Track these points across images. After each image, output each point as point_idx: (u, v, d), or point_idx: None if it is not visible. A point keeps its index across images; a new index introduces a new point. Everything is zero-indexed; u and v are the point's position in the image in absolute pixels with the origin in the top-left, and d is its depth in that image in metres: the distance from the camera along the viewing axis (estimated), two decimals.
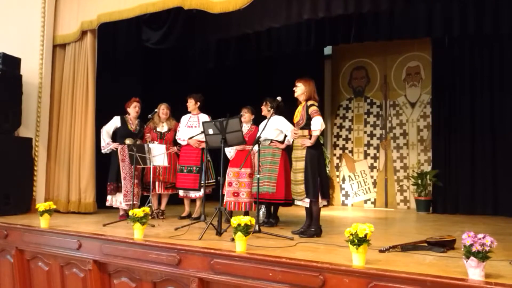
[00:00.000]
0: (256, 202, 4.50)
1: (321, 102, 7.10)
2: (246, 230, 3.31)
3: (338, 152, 8.94)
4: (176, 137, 5.82)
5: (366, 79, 8.77)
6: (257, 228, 4.14)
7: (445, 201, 7.39)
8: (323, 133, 5.62)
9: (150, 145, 5.34)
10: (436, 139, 7.69)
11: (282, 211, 5.55)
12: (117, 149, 5.61)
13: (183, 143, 5.73)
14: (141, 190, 5.80)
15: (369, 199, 8.53)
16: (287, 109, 4.96)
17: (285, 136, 5.06)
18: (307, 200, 4.23)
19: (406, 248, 3.52)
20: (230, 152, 5.37)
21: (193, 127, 5.70)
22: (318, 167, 4.25)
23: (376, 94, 8.64)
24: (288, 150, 4.95)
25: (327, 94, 8.97)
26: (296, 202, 4.49)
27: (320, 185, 4.22)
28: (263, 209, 5.47)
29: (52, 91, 6.70)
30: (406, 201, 8.17)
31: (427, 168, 7.91)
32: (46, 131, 6.59)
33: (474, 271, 2.53)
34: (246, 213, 5.04)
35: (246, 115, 5.37)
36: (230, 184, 5.16)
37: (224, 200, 5.06)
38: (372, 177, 8.54)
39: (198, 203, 5.72)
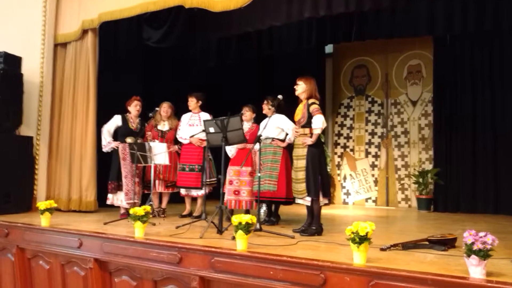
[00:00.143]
0: (257, 200, 4.51)
1: (322, 101, 7.08)
2: (247, 228, 3.31)
3: (339, 150, 8.94)
4: (177, 136, 5.81)
5: (367, 77, 8.76)
6: (258, 226, 4.15)
7: (446, 200, 7.38)
8: (324, 131, 5.61)
9: (151, 143, 5.34)
10: (437, 138, 7.68)
11: (283, 209, 5.54)
12: (118, 147, 5.61)
13: (184, 141, 5.72)
14: (142, 188, 5.80)
15: (370, 198, 8.52)
16: (288, 108, 4.95)
17: (286, 134, 5.05)
18: (308, 199, 4.23)
19: (407, 246, 3.52)
20: (231, 150, 5.37)
21: (194, 125, 5.70)
22: (319, 166, 4.25)
23: (377, 93, 8.63)
24: (289, 149, 4.94)
25: (328, 93, 8.96)
26: (297, 201, 4.48)
27: (321, 183, 4.22)
28: (264, 208, 5.47)
29: (53, 90, 6.70)
30: (407, 199, 8.16)
31: (428, 166, 7.90)
32: (47, 130, 6.59)
33: (475, 269, 2.52)
34: (246, 212, 5.03)
35: (247, 114, 5.36)
36: (230, 182, 5.16)
37: (225, 199, 5.06)
38: (373, 175, 8.53)
39: (199, 201, 5.71)
